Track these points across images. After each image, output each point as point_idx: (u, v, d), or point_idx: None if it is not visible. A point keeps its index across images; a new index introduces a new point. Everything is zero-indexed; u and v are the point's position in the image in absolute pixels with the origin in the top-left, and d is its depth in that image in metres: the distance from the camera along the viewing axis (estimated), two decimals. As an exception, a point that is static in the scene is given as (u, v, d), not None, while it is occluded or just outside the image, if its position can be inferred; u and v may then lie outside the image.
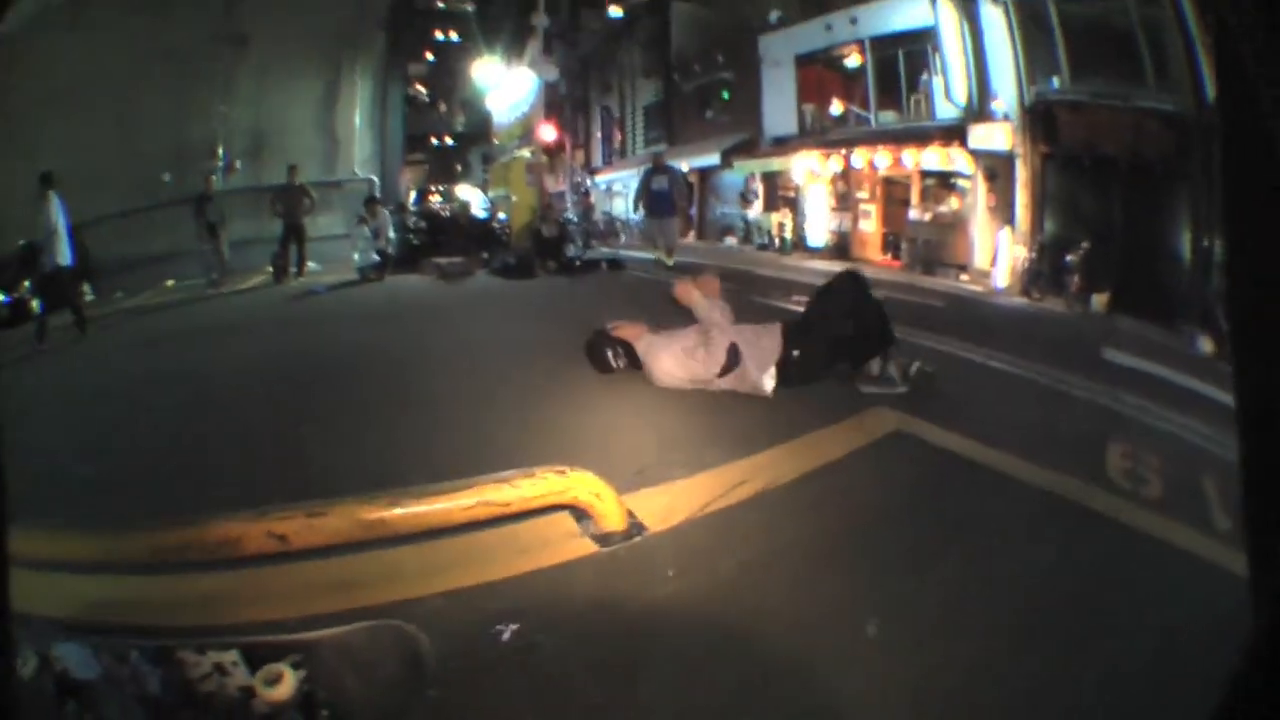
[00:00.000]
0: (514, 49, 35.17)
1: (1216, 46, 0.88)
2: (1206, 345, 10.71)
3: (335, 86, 16.58)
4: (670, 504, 2.56)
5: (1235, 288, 0.89)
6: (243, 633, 1.53)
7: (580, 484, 2.28)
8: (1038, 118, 13.82)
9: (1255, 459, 0.86)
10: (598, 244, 18.91)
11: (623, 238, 22.28)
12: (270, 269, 11.34)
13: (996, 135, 14.41)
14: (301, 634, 1.51)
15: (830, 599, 2.25)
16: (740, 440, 3.37)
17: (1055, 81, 13.67)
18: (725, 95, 25.57)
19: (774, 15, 21.52)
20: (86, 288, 11.44)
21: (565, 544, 2.19)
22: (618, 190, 35.84)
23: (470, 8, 37.41)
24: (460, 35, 38.71)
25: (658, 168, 13.88)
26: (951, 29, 14.81)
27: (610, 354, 4.86)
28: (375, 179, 16.64)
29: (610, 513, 2.27)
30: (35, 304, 10.18)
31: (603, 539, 2.22)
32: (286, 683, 1.32)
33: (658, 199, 13.26)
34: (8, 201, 10.90)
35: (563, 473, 2.32)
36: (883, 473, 3.27)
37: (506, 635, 1.75)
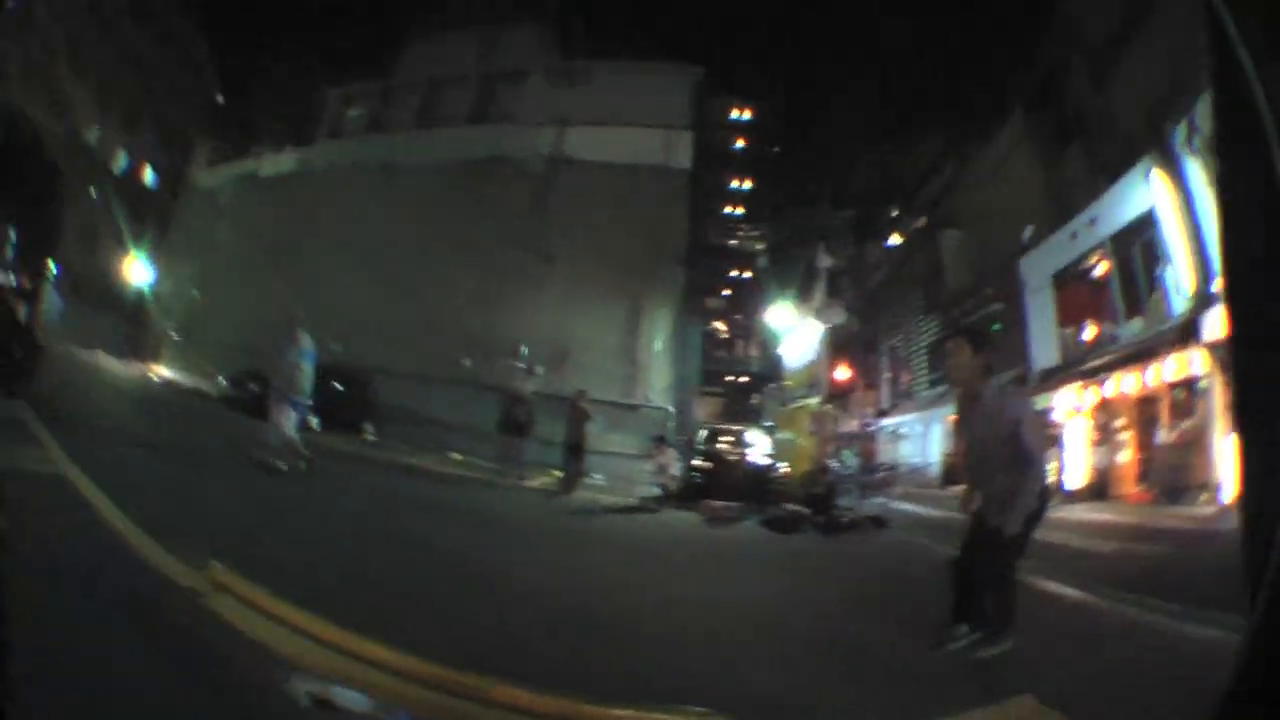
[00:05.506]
0: (803, 290, 36.33)
1: (1214, 58, 0.95)
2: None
3: (635, 314, 17.51)
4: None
5: (1234, 291, 0.95)
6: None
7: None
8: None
9: (1252, 458, 0.90)
10: (872, 494, 17.58)
11: (897, 488, 20.36)
12: (559, 474, 11.80)
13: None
14: None
15: None
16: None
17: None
18: (996, 327, 22.87)
19: (1027, 232, 19.60)
20: (369, 427, 12.75)
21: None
22: (903, 434, 33.01)
23: (760, 246, 39.90)
24: (752, 273, 40.88)
25: None
26: (1169, 206, 12.01)
27: None
28: (671, 409, 17.15)
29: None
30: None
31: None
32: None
33: None
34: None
35: None
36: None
37: None
